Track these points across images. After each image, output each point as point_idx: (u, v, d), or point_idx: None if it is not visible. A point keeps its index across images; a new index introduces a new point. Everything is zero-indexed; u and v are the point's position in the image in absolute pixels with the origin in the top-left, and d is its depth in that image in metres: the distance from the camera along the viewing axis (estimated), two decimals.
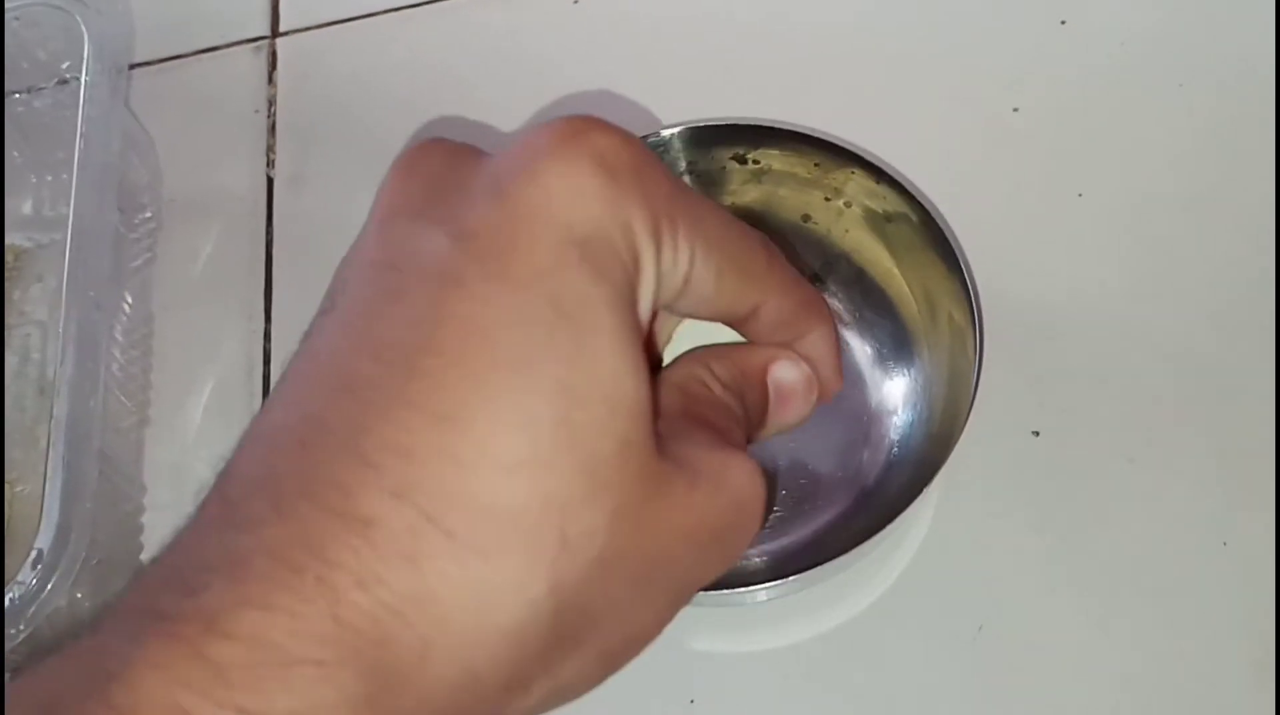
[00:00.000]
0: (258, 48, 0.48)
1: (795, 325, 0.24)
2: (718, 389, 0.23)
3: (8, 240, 0.45)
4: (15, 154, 0.45)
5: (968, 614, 0.34)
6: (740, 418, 0.23)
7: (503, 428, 0.18)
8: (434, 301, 0.19)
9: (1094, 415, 0.36)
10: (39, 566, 0.32)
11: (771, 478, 0.35)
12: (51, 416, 0.33)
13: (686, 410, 0.22)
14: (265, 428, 0.20)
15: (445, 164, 0.22)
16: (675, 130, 0.37)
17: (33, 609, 0.32)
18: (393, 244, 0.21)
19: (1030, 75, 0.42)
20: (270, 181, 0.45)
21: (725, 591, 0.31)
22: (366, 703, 0.17)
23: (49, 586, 0.32)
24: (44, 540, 0.31)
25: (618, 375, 0.19)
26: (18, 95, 0.44)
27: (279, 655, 0.17)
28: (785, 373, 0.24)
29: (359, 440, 0.18)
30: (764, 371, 0.24)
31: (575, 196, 0.19)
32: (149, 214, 0.43)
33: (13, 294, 0.44)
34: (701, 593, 0.33)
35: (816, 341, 0.24)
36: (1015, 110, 0.41)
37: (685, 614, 0.32)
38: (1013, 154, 0.41)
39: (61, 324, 0.35)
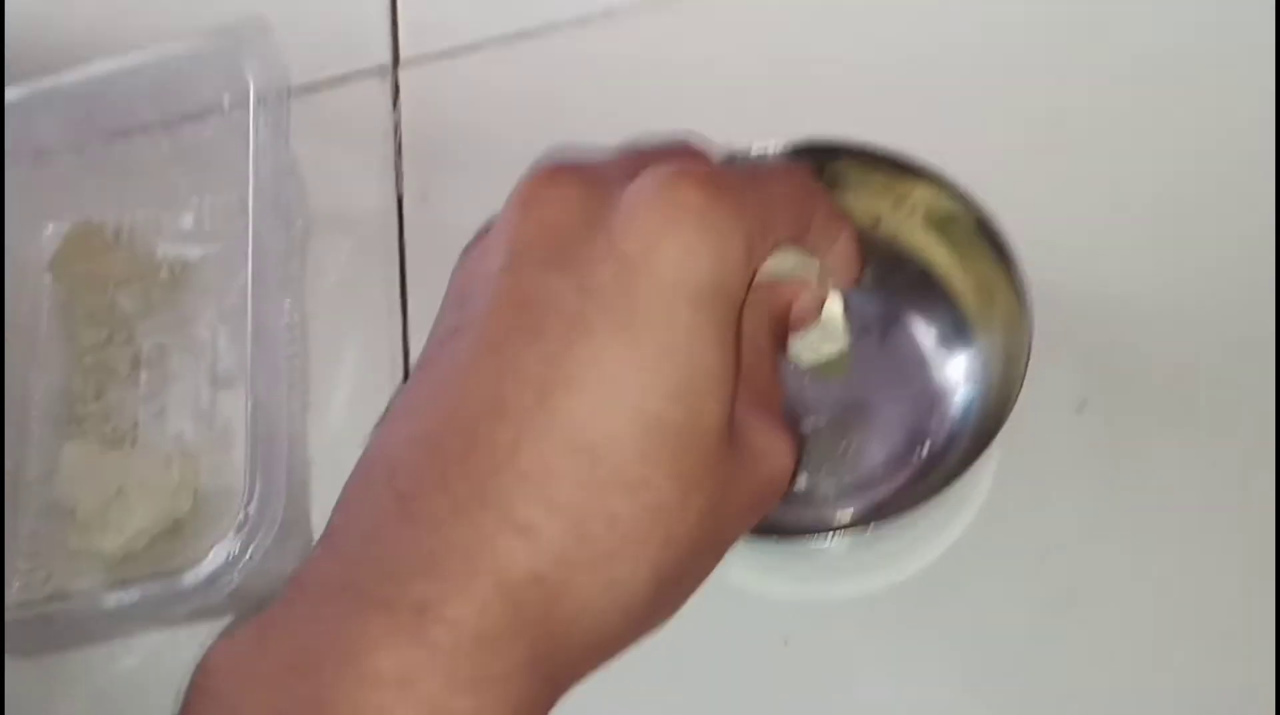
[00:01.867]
0: (382, 77, 0.54)
1: (827, 240, 0.30)
2: (767, 349, 0.28)
3: (169, 252, 0.52)
4: (178, 176, 0.52)
5: (1030, 558, 0.40)
6: (776, 366, 0.29)
7: (623, 458, 0.24)
8: (566, 343, 0.24)
9: (1137, 389, 0.41)
10: (244, 530, 0.38)
11: (802, 442, 0.38)
12: (249, 403, 0.39)
13: (746, 380, 0.27)
14: (425, 428, 0.25)
15: (564, 209, 0.26)
16: (763, 147, 0.42)
17: (240, 565, 0.38)
18: (526, 286, 0.25)
19: (1071, 81, 0.47)
20: (400, 198, 0.51)
21: (814, 535, 0.37)
22: (532, 664, 0.23)
23: (251, 547, 0.38)
24: (252, 507, 0.38)
25: (710, 407, 0.25)
26: (182, 124, 0.50)
27: (476, 634, 0.22)
28: (804, 303, 0.30)
29: (515, 459, 0.23)
30: (789, 308, 0.30)
31: (684, 257, 0.24)
32: (299, 225, 0.50)
33: (181, 300, 0.50)
34: (789, 537, 0.39)
35: (841, 246, 0.30)
36: (1058, 121, 0.46)
37: (777, 566, 0.38)
38: (1057, 159, 0.45)
39: (250, 326, 0.41)
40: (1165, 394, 0.41)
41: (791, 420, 0.42)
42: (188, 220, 0.52)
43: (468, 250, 0.30)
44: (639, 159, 0.28)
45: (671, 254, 0.24)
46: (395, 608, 0.22)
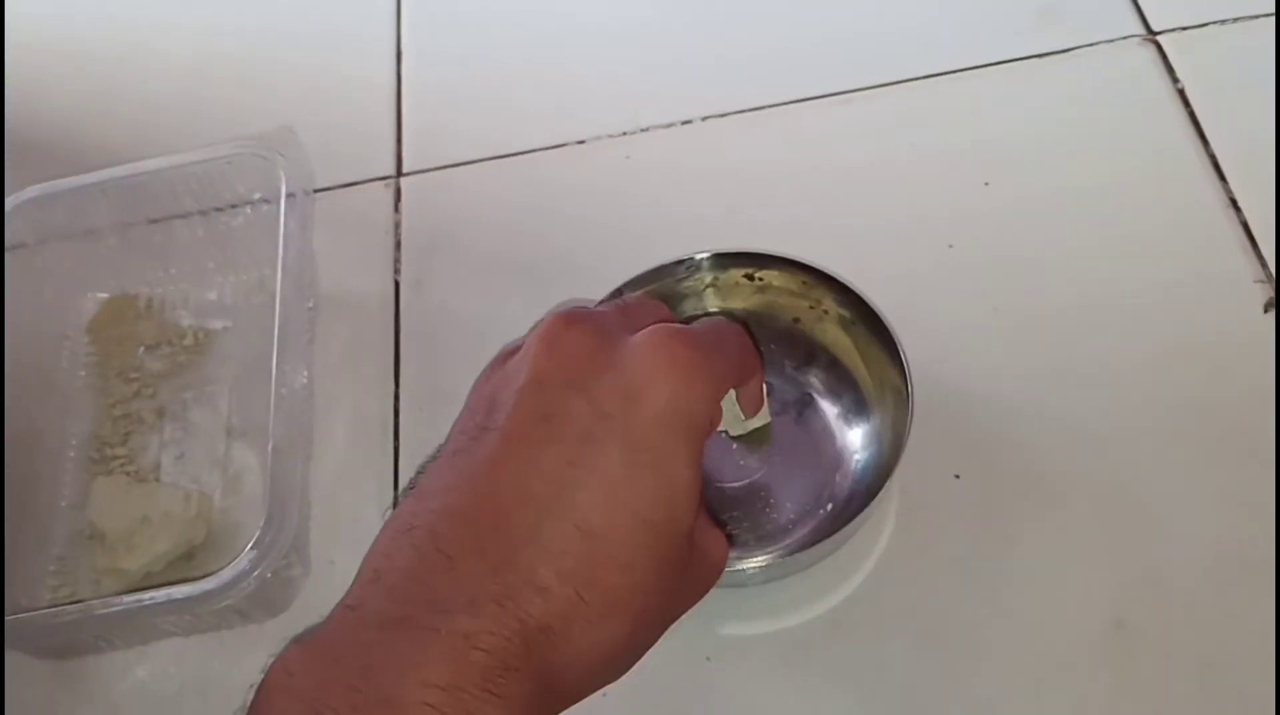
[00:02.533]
0: (386, 184, 0.63)
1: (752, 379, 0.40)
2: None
3: (194, 322, 0.60)
4: (207, 258, 0.60)
5: (920, 601, 0.48)
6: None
7: (618, 543, 0.31)
8: (580, 449, 0.32)
9: (1001, 464, 0.51)
10: (260, 548, 0.45)
11: (730, 539, 0.47)
12: (270, 448, 0.47)
13: None
14: (463, 504, 0.32)
15: (580, 347, 0.34)
16: (704, 255, 0.51)
17: (253, 575, 0.45)
18: (549, 402, 0.33)
19: (962, 221, 0.57)
20: (397, 284, 0.60)
21: (737, 569, 0.45)
22: (537, 693, 0.30)
23: (264, 563, 0.46)
24: (269, 531, 0.45)
25: (682, 514, 0.33)
26: (217, 214, 0.59)
27: (503, 663, 0.29)
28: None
29: (537, 536, 0.31)
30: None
31: (675, 396, 0.33)
32: (311, 305, 0.58)
33: (202, 364, 0.58)
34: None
35: (753, 384, 0.42)
36: (950, 247, 0.56)
37: (703, 601, 0.44)
38: (947, 278, 0.55)
39: (273, 385, 0.48)
40: (1022, 469, 0.50)
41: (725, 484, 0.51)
42: (212, 295, 0.60)
43: (492, 366, 0.38)
44: (630, 313, 0.38)
45: (666, 393, 0.33)
46: (444, 635, 0.29)
